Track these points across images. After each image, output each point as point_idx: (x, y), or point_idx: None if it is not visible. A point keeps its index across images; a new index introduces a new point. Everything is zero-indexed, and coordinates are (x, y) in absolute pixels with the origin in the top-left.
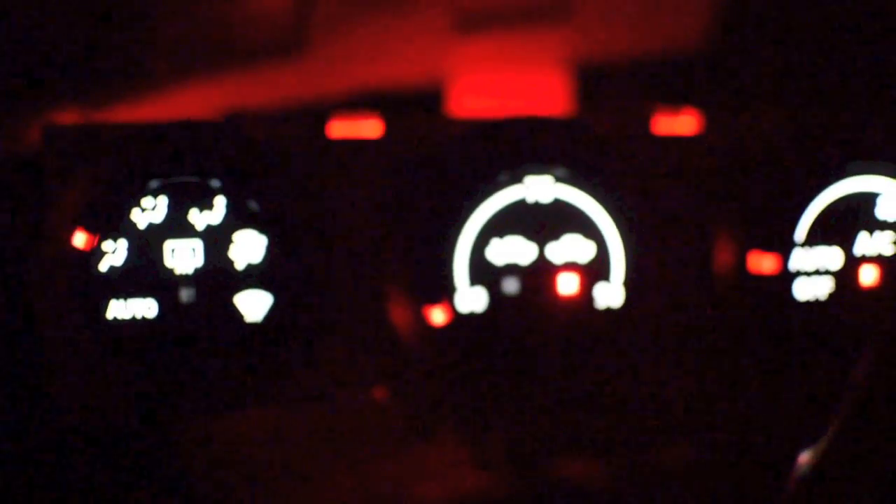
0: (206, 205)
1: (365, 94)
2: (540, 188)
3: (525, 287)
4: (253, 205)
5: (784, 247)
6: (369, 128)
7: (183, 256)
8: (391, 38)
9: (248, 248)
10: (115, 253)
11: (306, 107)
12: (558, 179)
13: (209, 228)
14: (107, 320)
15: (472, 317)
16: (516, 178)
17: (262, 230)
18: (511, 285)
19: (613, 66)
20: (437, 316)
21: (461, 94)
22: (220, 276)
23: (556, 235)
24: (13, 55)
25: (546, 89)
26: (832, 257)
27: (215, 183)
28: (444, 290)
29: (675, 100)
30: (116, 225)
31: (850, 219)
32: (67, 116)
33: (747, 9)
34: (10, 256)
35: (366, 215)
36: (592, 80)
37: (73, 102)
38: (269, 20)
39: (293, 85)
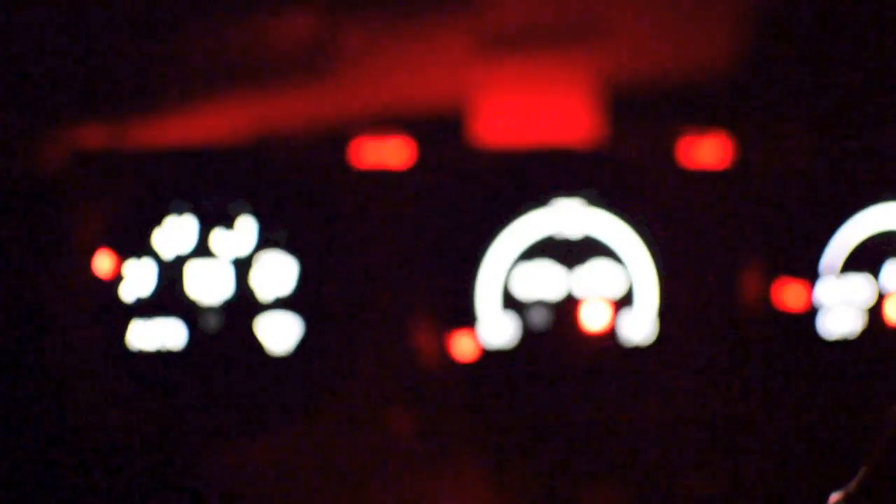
0: (231, 230)
1: (390, 116)
2: (568, 220)
3: (553, 321)
4: (279, 230)
5: (811, 278)
6: (395, 150)
7: (208, 282)
8: (417, 60)
9: (273, 273)
10: (139, 278)
11: (331, 129)
12: (586, 211)
13: (234, 254)
14: (130, 348)
15: (499, 353)
16: (544, 210)
17: (287, 256)
18: (538, 318)
19: (641, 90)
20: (464, 349)
21: (487, 116)
22: (245, 303)
23: (584, 268)
24: (38, 79)
25: (573, 113)
26: (861, 289)
27: (240, 208)
28: (470, 321)
29: (704, 124)
30: (141, 250)
31: (878, 249)
32: (92, 140)
33: (777, 33)
34: (34, 282)
35: (393, 244)
36: (620, 104)
37: (98, 126)
38: (295, 43)
39: (318, 107)
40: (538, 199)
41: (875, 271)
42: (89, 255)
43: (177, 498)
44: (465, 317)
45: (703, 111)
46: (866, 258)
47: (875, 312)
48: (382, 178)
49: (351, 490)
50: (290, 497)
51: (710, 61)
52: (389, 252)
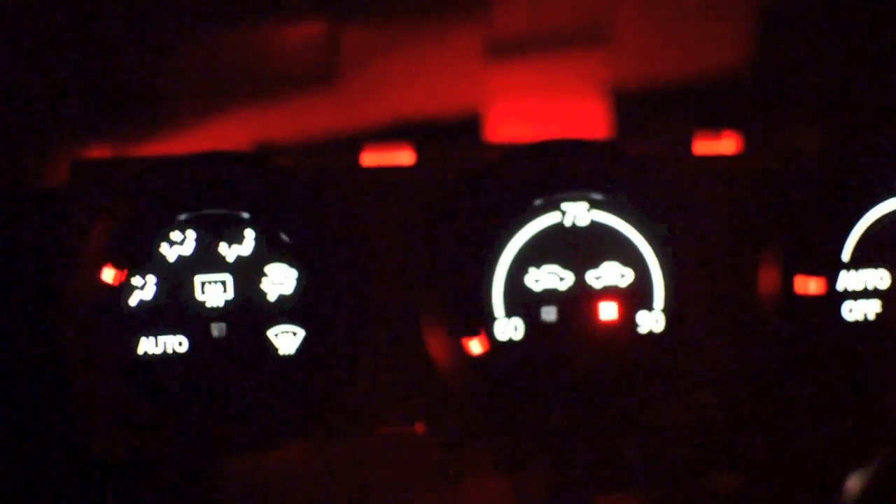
0: (236, 237)
1: (398, 123)
2: (577, 212)
3: (564, 314)
4: (284, 236)
5: (830, 268)
6: (402, 157)
7: (213, 290)
8: (424, 66)
9: (279, 280)
10: (144, 288)
11: (339, 137)
12: (595, 203)
13: (240, 261)
14: (137, 356)
15: (510, 345)
16: (552, 203)
17: (293, 262)
18: (549, 313)
19: (652, 91)
20: (475, 346)
21: (497, 121)
22: (251, 310)
23: (594, 261)
24: (41, 90)
25: (583, 115)
26: (879, 277)
27: (245, 215)
28: (481, 320)
29: (715, 123)
30: (145, 259)
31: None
32: (96, 151)
33: (786, 30)
34: (40, 292)
35: (400, 245)
36: (630, 105)
37: (102, 137)
38: (301, 51)
39: (325, 116)
40: (550, 191)
41: (891, 257)
42: (94, 265)
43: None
44: (476, 312)
45: (714, 108)
46: (882, 244)
47: (893, 297)
48: (390, 180)
49: (366, 495)
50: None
51: (718, 59)
52: (397, 253)
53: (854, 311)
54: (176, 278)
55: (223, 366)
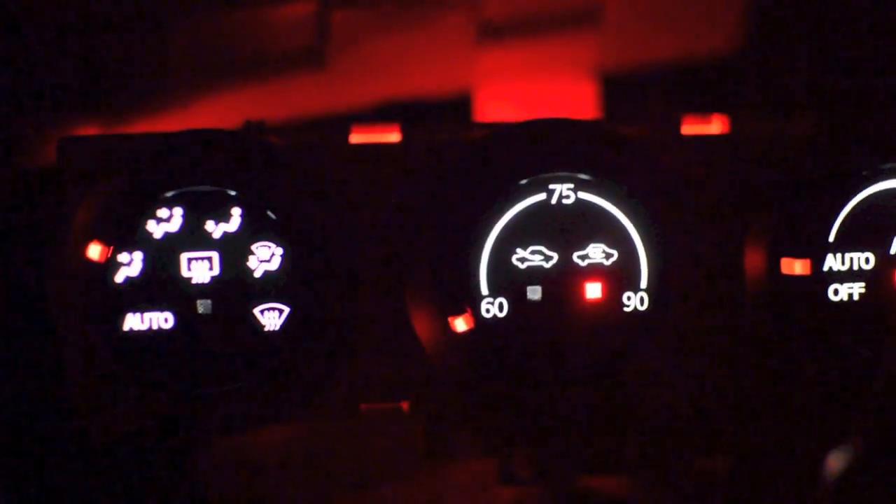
0: (222, 215)
1: (388, 104)
2: (563, 192)
3: (549, 293)
4: (270, 214)
5: (817, 249)
6: (390, 138)
7: (200, 267)
8: (414, 47)
9: (265, 257)
10: (130, 264)
11: (328, 118)
12: (582, 183)
13: (226, 238)
14: (123, 332)
15: (495, 323)
16: (539, 183)
17: (280, 239)
18: (535, 292)
19: (641, 74)
20: (460, 324)
21: (486, 103)
22: (237, 287)
23: (580, 240)
24: (31, 69)
25: (573, 97)
26: (865, 259)
27: (232, 192)
28: (467, 298)
29: (704, 106)
30: (132, 236)
31: (882, 220)
32: (83, 128)
33: (775, 13)
34: (27, 269)
35: (386, 223)
36: (619, 88)
37: (90, 115)
38: (291, 31)
39: (315, 96)
40: (537, 170)
41: (878, 239)
42: (81, 242)
43: (172, 481)
44: (462, 290)
45: (703, 91)
46: (869, 226)
47: (878, 278)
48: (377, 157)
49: (352, 473)
50: (289, 481)
51: (708, 42)
52: (384, 231)
53: (839, 293)
54: (162, 255)
55: (209, 342)
